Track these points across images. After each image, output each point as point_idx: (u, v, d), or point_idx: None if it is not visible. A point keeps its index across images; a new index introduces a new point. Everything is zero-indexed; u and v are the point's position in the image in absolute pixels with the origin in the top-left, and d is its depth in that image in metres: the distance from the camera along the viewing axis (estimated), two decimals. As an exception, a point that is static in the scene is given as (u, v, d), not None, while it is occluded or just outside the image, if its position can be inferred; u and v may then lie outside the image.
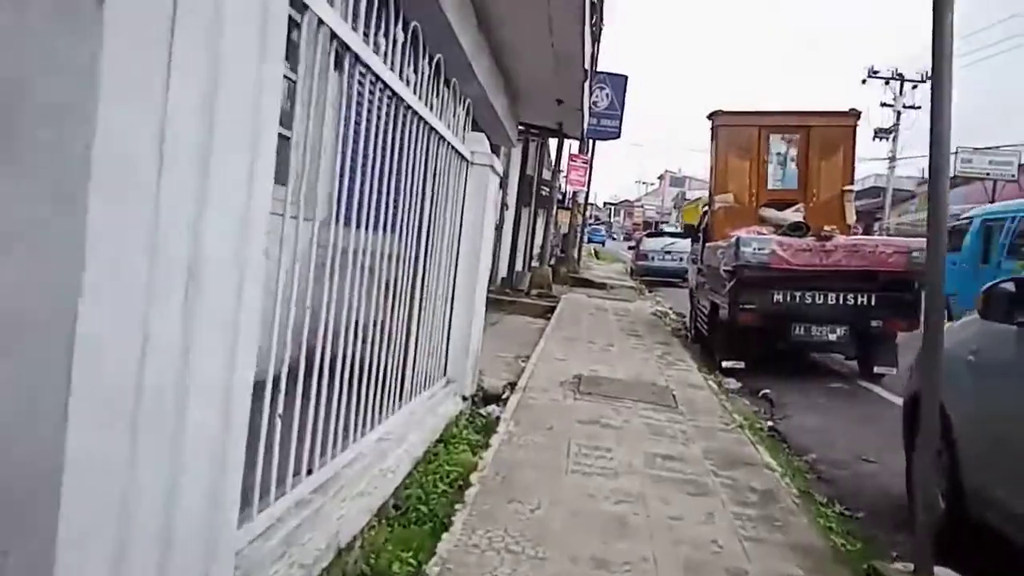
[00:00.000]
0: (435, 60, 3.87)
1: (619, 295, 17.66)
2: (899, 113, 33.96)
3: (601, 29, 16.63)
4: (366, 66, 2.81)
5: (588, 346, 8.87)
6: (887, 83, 34.32)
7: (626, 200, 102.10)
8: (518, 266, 16.59)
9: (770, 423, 6.74)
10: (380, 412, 3.67)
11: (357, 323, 3.39)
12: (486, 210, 5.34)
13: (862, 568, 3.26)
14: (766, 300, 8.32)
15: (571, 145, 21.15)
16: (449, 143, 4.49)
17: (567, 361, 7.57)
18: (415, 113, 3.76)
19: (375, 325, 3.63)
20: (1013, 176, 30.30)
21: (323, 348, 2.92)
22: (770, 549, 3.26)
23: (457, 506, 3.37)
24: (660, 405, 5.96)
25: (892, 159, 34.98)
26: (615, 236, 74.74)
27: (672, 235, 25.02)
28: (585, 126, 15.15)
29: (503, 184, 15.88)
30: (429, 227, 4.47)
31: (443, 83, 4.23)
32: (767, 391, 7.96)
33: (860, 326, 8.40)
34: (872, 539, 3.95)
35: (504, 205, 16.12)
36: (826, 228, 8.33)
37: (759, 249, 8.06)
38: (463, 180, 5.09)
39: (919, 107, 33.69)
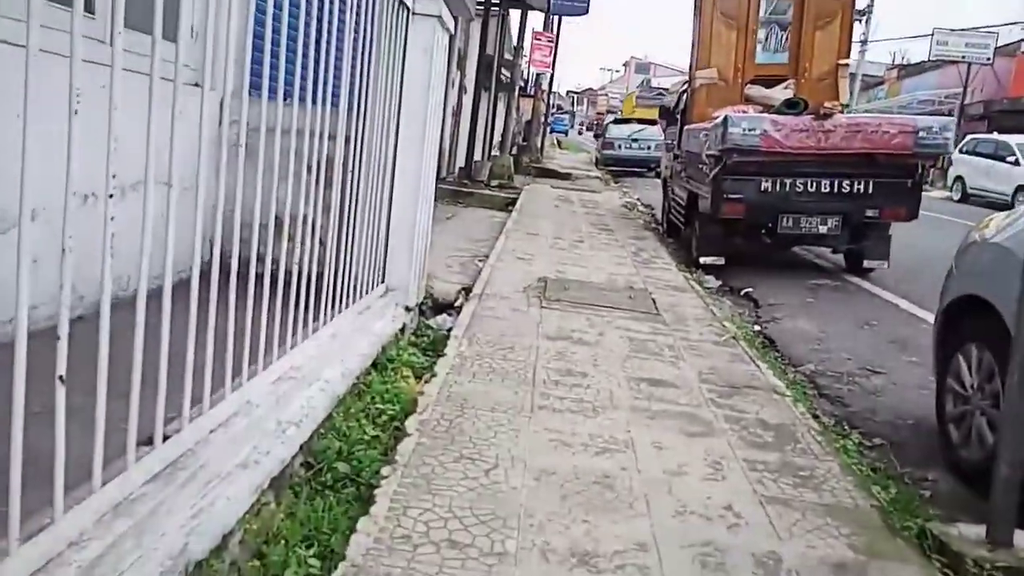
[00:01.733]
0: None
1: (585, 186, 16.63)
2: (874, -7, 32.45)
3: None
4: None
5: (554, 242, 7.93)
6: (863, -43, 32.62)
7: (590, 88, 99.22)
8: (477, 155, 15.38)
9: (757, 327, 5.99)
10: (285, 340, 2.72)
11: (265, 219, 2.42)
12: (432, 74, 4.24)
13: (914, 532, 2.49)
14: (753, 189, 7.42)
15: (533, 24, 19.53)
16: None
17: (531, 261, 6.64)
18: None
19: (290, 221, 2.65)
20: (988, 59, 29.33)
21: (213, 253, 2.02)
22: (802, 516, 2.45)
23: (385, 469, 2.48)
24: (640, 312, 5.09)
25: (863, 42, 33.73)
26: (580, 130, 72.61)
27: (640, 121, 23.83)
28: (551, -5, 13.66)
29: (460, 65, 14.43)
30: (360, 96, 3.42)
31: None
32: (750, 290, 7.19)
33: (854, 216, 7.59)
34: (902, 479, 3.21)
35: (462, 88, 14.73)
36: (826, 105, 7.34)
37: (749, 130, 7.08)
38: (402, 34, 3.97)
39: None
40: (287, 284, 2.66)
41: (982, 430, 3.15)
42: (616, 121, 25.53)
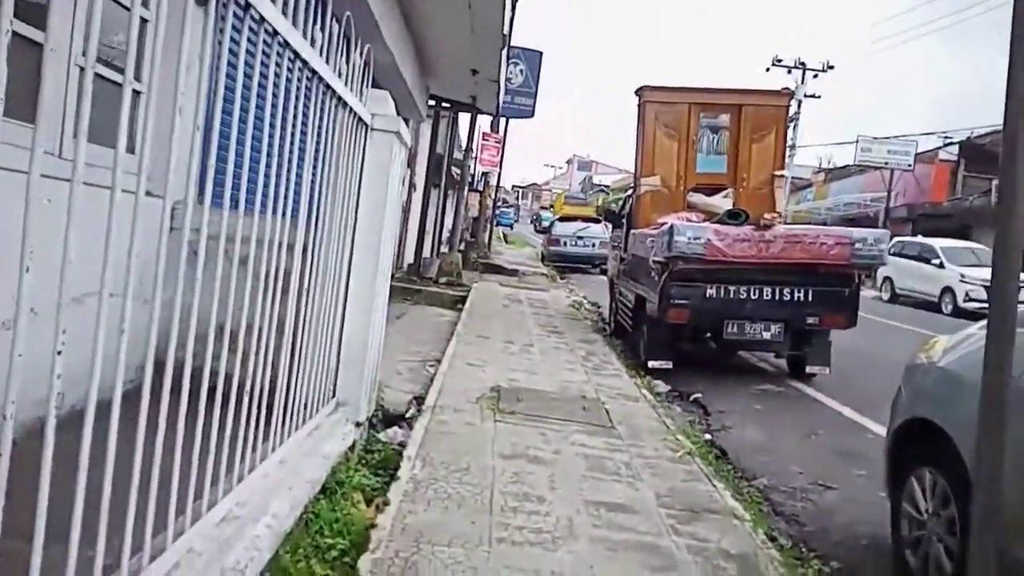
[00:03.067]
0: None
1: (532, 283, 16.79)
2: (800, 102, 34.51)
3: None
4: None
5: (505, 346, 7.89)
6: (789, 71, 34.87)
7: (534, 183, 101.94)
8: (426, 251, 15.45)
9: (708, 436, 5.99)
10: (232, 470, 2.57)
11: (210, 333, 2.29)
12: (389, 187, 4.25)
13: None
14: (699, 295, 7.57)
15: (481, 125, 20.10)
16: (340, 98, 3.40)
17: (483, 367, 6.57)
18: (297, 57, 2.69)
19: (239, 334, 2.54)
20: (909, 165, 31.25)
21: (165, 370, 1.91)
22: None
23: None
24: (594, 426, 5.04)
25: (792, 147, 35.61)
26: (524, 220, 74.03)
27: (585, 219, 24.42)
28: (500, 100, 14.10)
29: (411, 163, 14.66)
30: (317, 208, 3.40)
31: (329, 17, 3.13)
32: (698, 395, 7.24)
33: (796, 323, 7.79)
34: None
35: (412, 185, 14.92)
36: (766, 216, 7.62)
37: (694, 238, 7.28)
38: (360, 150, 3.99)
39: (819, 96, 34.46)
40: (237, 402, 2.53)
41: (940, 559, 3.14)
42: (562, 219, 26.11)
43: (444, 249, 16.62)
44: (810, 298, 7.67)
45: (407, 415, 5.07)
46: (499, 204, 42.26)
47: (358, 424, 4.26)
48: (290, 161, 2.91)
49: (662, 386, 7.52)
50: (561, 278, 20.25)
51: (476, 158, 20.73)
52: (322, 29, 3.02)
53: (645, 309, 8.28)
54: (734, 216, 7.87)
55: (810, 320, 7.75)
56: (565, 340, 8.97)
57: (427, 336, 8.30)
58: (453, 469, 3.79)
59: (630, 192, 10.70)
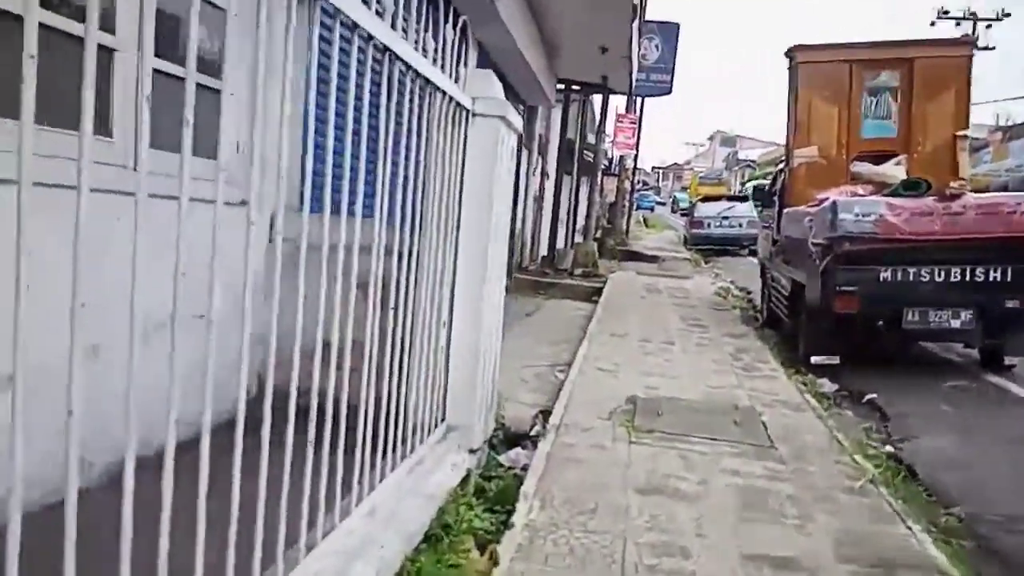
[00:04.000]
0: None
1: (673, 270, 15.82)
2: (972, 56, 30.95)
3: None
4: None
5: (642, 346, 7.17)
6: (958, 24, 31.35)
7: (675, 163, 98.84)
8: (560, 242, 14.89)
9: (890, 448, 5.05)
10: (315, 525, 2.15)
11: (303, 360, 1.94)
12: (495, 180, 3.70)
13: None
14: (871, 280, 6.54)
15: (616, 105, 19.26)
16: (428, 80, 2.87)
17: (616, 373, 5.90)
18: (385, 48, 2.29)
19: (333, 358, 2.18)
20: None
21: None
22: None
23: None
24: (750, 445, 4.27)
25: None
26: (663, 202, 71.96)
27: (730, 199, 23.02)
28: (634, 78, 13.27)
29: (542, 150, 14.13)
30: (412, 208, 2.94)
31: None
32: (873, 396, 6.22)
33: (992, 308, 6.56)
34: None
35: (545, 174, 14.40)
36: (952, 184, 6.45)
37: (862, 215, 6.27)
38: (460, 139, 3.46)
39: (993, 47, 30.67)
40: (337, 446, 2.14)
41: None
42: (704, 199, 24.75)
43: (579, 239, 15.99)
44: (1009, 277, 6.44)
45: (531, 432, 4.52)
46: (638, 187, 41.06)
47: (472, 451, 3.76)
48: (370, 157, 2.44)
49: (828, 385, 6.56)
50: (706, 262, 19.09)
51: (611, 141, 19.92)
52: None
53: (804, 297, 7.31)
54: (913, 186, 6.72)
55: (1009, 304, 6.52)
56: (710, 335, 8.11)
57: (559, 334, 7.74)
58: (577, 511, 3.18)
59: (781, 166, 9.62)
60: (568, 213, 16.22)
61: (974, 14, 31.25)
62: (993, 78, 25.15)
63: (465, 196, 3.57)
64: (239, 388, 1.68)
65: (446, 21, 3.12)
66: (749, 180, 50.41)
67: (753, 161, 64.40)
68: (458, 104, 3.34)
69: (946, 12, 31.25)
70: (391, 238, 2.76)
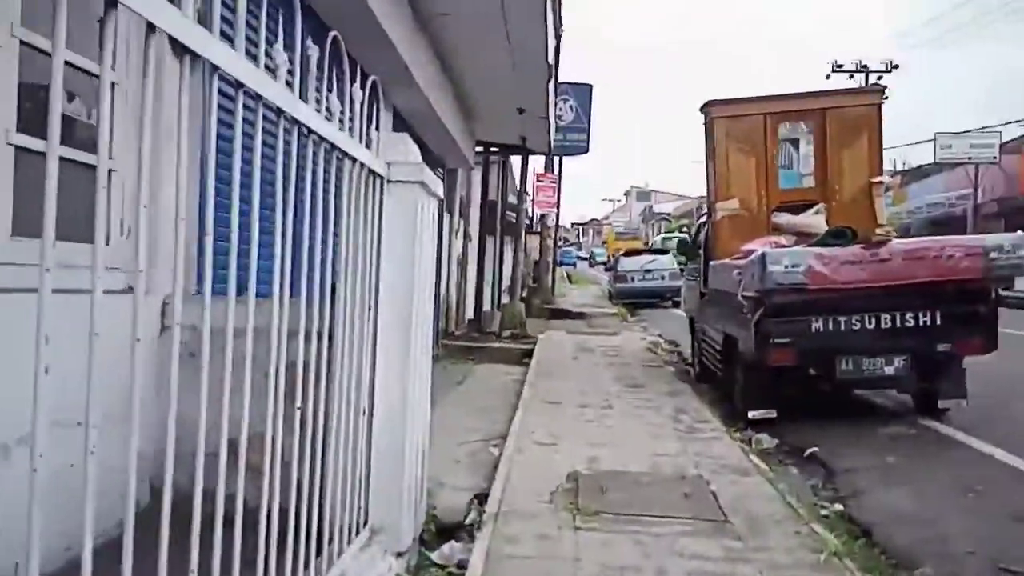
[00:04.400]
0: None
1: (603, 327, 15.70)
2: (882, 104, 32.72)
3: (560, 33, 14.84)
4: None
5: (579, 412, 6.83)
6: (851, 76, 33.30)
7: (594, 219, 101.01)
8: (486, 304, 14.58)
9: (839, 506, 4.83)
10: None
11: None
12: (417, 247, 3.34)
13: None
14: (802, 331, 6.43)
15: (534, 167, 19.35)
16: (333, 144, 2.52)
17: (556, 445, 5.53)
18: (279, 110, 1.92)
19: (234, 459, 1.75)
20: (994, 158, 29.06)
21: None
22: None
23: None
24: (703, 520, 3.94)
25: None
26: (585, 257, 73.06)
27: (652, 252, 23.39)
28: (552, 138, 13.27)
29: (463, 213, 13.92)
30: (319, 284, 2.56)
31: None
32: (814, 449, 6.04)
33: (924, 352, 6.53)
34: None
35: (467, 236, 14.15)
36: (877, 231, 6.46)
37: (792, 266, 6.17)
38: (375, 207, 3.10)
39: (886, 98, 32.55)
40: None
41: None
42: (627, 254, 25.07)
43: (506, 299, 15.73)
44: (938, 321, 6.43)
45: (467, 522, 4.09)
46: (560, 244, 41.46)
47: (400, 554, 3.31)
48: (266, 231, 2.06)
49: (767, 440, 6.38)
50: (632, 316, 19.11)
51: (532, 200, 19.95)
52: (292, 48, 2.17)
53: (738, 351, 7.17)
54: (839, 235, 6.70)
55: (940, 347, 6.49)
56: (648, 396, 7.85)
57: (491, 402, 7.34)
58: (525, 623, 2.77)
59: (704, 219, 9.63)
60: (493, 274, 15.98)
61: (865, 66, 33.23)
62: (888, 125, 26.53)
63: (384, 268, 3.21)
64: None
65: (353, 80, 2.79)
66: (665, 233, 51.66)
67: (668, 214, 66.36)
68: (371, 171, 3.00)
69: (840, 65, 33.11)
70: (296, 319, 2.37)
